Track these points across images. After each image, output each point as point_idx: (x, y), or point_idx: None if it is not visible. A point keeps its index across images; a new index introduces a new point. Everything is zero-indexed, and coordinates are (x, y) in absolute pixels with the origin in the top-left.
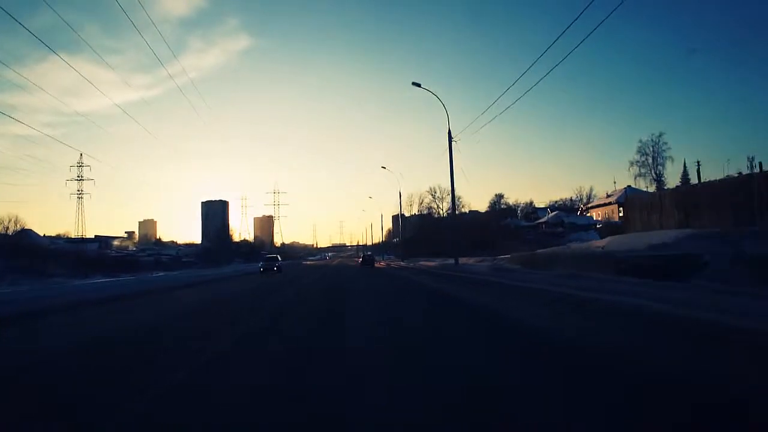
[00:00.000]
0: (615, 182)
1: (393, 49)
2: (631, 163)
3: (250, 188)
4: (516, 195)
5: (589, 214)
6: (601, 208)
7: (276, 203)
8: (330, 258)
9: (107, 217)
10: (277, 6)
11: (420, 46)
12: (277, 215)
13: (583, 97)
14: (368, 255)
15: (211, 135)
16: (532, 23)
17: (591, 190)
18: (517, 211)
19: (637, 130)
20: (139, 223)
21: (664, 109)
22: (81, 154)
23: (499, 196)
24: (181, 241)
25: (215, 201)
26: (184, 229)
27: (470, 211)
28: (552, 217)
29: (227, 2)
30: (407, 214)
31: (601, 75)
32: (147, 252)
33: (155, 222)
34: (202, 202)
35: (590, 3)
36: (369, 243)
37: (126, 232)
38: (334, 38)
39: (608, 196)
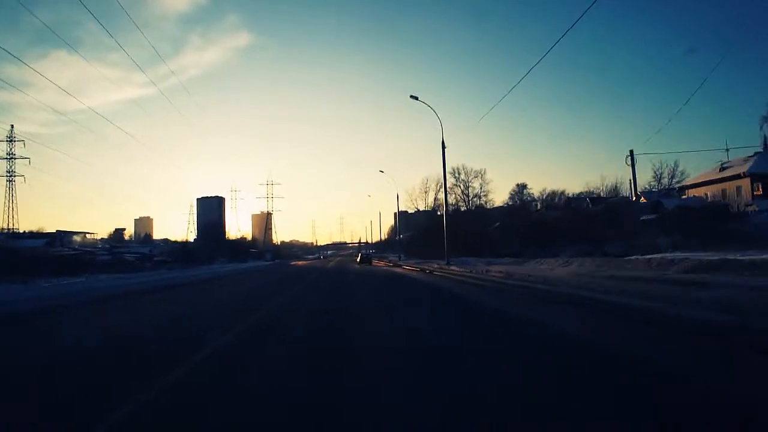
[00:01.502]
0: (728, 149)
1: (394, 46)
2: (766, 118)
3: (249, 186)
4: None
5: (685, 195)
6: (710, 187)
7: (269, 195)
8: (327, 257)
9: (104, 214)
10: (276, 3)
11: (421, 44)
12: (270, 209)
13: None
14: (365, 254)
15: (210, 133)
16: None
17: (676, 165)
18: (536, 202)
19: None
20: (135, 220)
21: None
22: (12, 126)
23: (522, 186)
24: (174, 238)
25: (211, 197)
26: (182, 226)
27: (474, 207)
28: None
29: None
30: (420, 206)
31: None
32: (114, 250)
33: (151, 219)
34: (197, 199)
35: None
36: (370, 241)
37: (116, 229)
38: (335, 34)
39: (723, 168)
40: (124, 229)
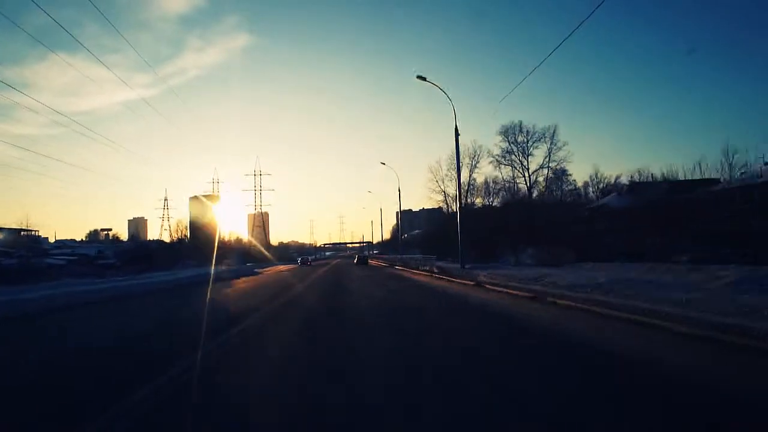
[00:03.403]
0: None
1: (393, 43)
2: None
3: (242, 183)
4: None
5: None
6: None
7: (257, 188)
8: (320, 261)
9: (101, 215)
10: (276, 3)
11: (421, 40)
12: (259, 203)
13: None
14: (362, 255)
15: (207, 135)
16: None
17: None
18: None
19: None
20: (129, 221)
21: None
22: None
23: (560, 171)
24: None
25: (203, 197)
26: (176, 227)
27: (535, 186)
28: None
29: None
30: (450, 189)
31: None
32: (54, 252)
33: (145, 220)
34: (189, 198)
35: None
36: (372, 241)
37: (95, 229)
38: (334, 34)
39: None
40: (110, 230)
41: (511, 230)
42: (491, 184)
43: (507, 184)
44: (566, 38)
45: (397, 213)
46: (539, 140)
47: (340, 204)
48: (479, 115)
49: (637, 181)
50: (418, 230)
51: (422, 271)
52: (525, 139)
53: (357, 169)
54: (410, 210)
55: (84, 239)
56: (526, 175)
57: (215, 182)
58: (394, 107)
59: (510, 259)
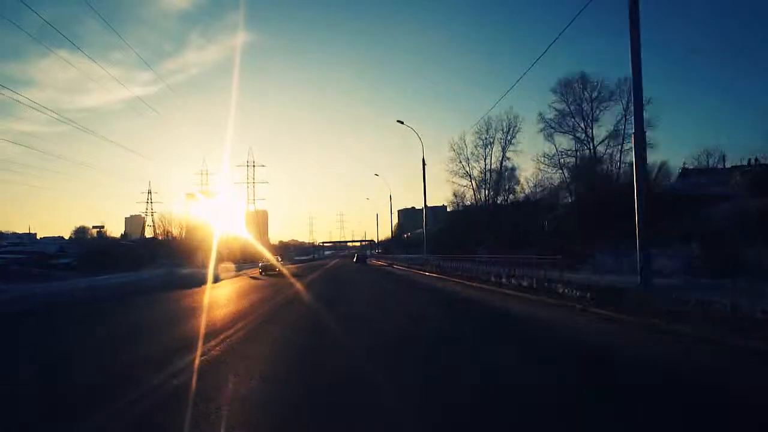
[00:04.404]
0: None
1: (393, 42)
2: None
3: (237, 178)
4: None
5: None
6: None
7: (250, 180)
8: (311, 261)
9: (101, 213)
10: (277, 2)
11: (422, 38)
12: (252, 197)
13: None
14: (362, 255)
15: (209, 132)
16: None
17: None
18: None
19: None
20: (126, 218)
21: None
22: None
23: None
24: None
25: (201, 194)
26: (177, 224)
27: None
28: None
29: None
30: (475, 171)
31: None
32: (3, 249)
33: (143, 218)
34: (186, 193)
35: None
36: (377, 239)
37: (94, 227)
38: (335, 32)
39: None
40: (102, 227)
41: (592, 221)
42: (515, 174)
43: (561, 159)
44: None
45: (401, 210)
46: (609, 99)
47: (340, 201)
48: (521, 73)
49: (691, 167)
50: (420, 229)
51: (532, 294)
52: (589, 97)
53: (357, 168)
54: (413, 208)
55: (71, 236)
56: (591, 146)
57: (203, 174)
58: (395, 105)
59: (602, 260)
